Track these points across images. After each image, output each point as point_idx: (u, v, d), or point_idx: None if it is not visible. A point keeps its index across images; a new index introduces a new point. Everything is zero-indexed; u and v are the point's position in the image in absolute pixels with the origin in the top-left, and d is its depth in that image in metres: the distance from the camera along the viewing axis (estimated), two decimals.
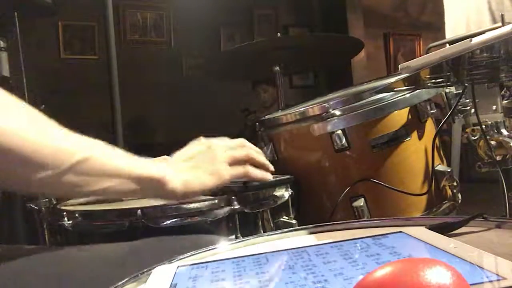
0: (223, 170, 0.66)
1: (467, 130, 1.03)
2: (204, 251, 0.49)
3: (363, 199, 0.94)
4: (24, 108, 0.52)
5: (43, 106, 0.78)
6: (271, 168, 0.74)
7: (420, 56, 0.71)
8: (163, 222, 0.71)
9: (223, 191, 0.76)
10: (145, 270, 0.44)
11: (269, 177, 0.73)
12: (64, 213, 0.78)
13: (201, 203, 0.73)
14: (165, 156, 0.67)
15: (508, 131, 0.96)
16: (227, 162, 0.67)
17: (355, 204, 0.94)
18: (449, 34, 1.64)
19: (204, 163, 0.66)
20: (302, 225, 0.57)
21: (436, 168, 0.98)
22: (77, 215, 0.77)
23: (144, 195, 0.63)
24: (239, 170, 0.68)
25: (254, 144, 0.76)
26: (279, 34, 1.65)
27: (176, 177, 0.61)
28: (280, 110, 1.39)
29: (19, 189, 0.55)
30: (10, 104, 0.51)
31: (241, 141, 0.72)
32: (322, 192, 1.01)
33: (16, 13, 1.67)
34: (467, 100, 1.00)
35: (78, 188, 0.53)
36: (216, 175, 0.65)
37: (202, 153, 0.67)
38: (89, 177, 0.53)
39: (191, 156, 0.67)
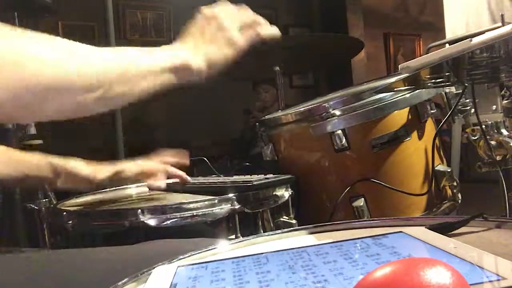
0: (237, 37, 0.68)
1: (467, 130, 1.03)
2: (204, 251, 0.49)
3: (363, 199, 0.94)
4: (65, 42, 0.54)
5: None
6: (276, 29, 0.74)
7: (420, 56, 0.71)
8: (163, 222, 0.71)
9: (223, 191, 0.76)
10: (145, 270, 0.44)
11: (277, 32, 0.74)
12: (64, 213, 0.78)
13: (201, 203, 0.73)
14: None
15: (508, 131, 0.95)
16: (238, 29, 0.69)
17: (355, 204, 0.94)
18: (449, 34, 1.63)
19: (216, 35, 0.68)
20: (302, 225, 0.57)
21: (436, 168, 0.98)
22: (77, 215, 0.77)
23: (177, 81, 0.64)
24: (250, 32, 0.70)
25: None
26: None
27: (197, 56, 0.64)
28: (280, 110, 1.39)
29: (76, 114, 0.56)
30: (52, 41, 0.53)
31: (242, 7, 0.73)
32: (322, 192, 1.01)
33: (16, 13, 1.67)
34: (467, 100, 1.00)
35: (126, 96, 0.57)
36: (232, 44, 0.68)
37: (210, 26, 0.68)
38: (131, 83, 0.56)
39: (201, 33, 0.68)
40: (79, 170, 0.83)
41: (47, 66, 0.49)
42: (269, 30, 0.72)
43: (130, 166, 0.88)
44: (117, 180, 0.87)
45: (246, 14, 0.71)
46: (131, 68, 0.57)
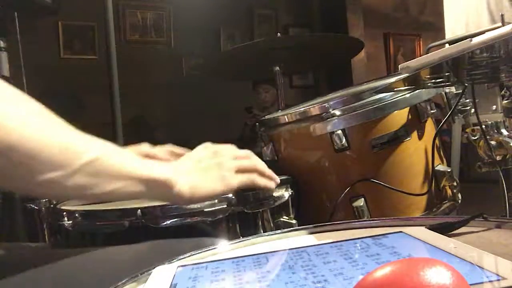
0: (231, 177, 0.65)
1: (467, 130, 1.03)
2: (204, 251, 0.49)
3: (363, 199, 0.94)
4: (28, 102, 0.47)
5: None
6: (277, 180, 0.73)
7: (420, 56, 0.71)
8: (163, 222, 0.71)
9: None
10: (145, 270, 0.44)
11: (273, 186, 0.72)
12: (64, 213, 0.78)
13: (201, 203, 0.73)
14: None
15: (508, 131, 0.96)
16: (235, 170, 0.66)
17: (355, 204, 0.94)
18: (449, 34, 1.64)
19: (212, 168, 0.64)
20: (302, 225, 0.57)
21: (436, 168, 0.98)
22: (77, 215, 0.77)
23: (150, 197, 0.60)
24: (246, 178, 0.67)
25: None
26: (279, 34, 1.65)
27: (184, 180, 0.60)
28: (280, 110, 1.39)
29: (23, 191, 0.50)
30: (12, 98, 0.46)
31: (247, 152, 0.71)
32: (322, 192, 1.01)
33: (16, 13, 1.67)
34: (467, 100, 1.00)
35: (86, 191, 0.50)
36: (224, 181, 0.64)
37: (209, 158, 0.66)
38: (98, 178, 0.50)
39: (199, 160, 0.65)
40: None
41: (4, 126, 0.43)
42: (265, 182, 0.69)
43: None
44: None
45: (250, 160, 0.68)
46: (103, 160, 0.51)
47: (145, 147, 0.90)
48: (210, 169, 0.64)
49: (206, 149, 0.67)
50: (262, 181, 0.68)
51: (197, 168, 0.64)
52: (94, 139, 0.52)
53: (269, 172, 0.71)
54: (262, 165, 0.70)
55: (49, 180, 0.46)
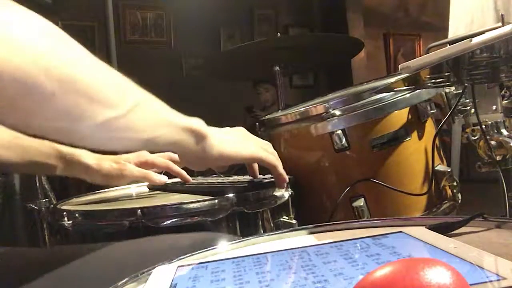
0: (257, 148, 0.69)
1: (467, 130, 1.03)
2: (204, 251, 0.49)
3: (363, 199, 0.94)
4: (77, 44, 0.45)
5: None
6: (286, 179, 0.76)
7: (420, 56, 0.71)
8: (163, 222, 0.71)
9: (223, 191, 0.76)
10: (145, 270, 0.44)
11: (286, 181, 0.76)
12: (64, 213, 0.78)
13: (201, 203, 0.73)
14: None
15: (508, 131, 0.96)
16: (259, 145, 0.70)
17: (355, 204, 0.94)
18: (453, 33, 1.63)
19: (240, 137, 0.69)
20: (302, 225, 0.57)
21: (436, 168, 0.98)
22: (77, 215, 0.77)
23: (186, 147, 0.59)
24: (271, 157, 0.71)
25: None
26: (279, 34, 1.65)
27: (215, 134, 0.63)
28: (280, 110, 1.39)
29: (80, 137, 0.46)
30: (65, 38, 0.44)
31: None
32: (322, 192, 1.01)
33: None
34: (467, 100, 1.00)
35: (134, 134, 0.49)
36: (250, 149, 0.68)
37: (238, 132, 0.70)
38: (147, 121, 0.50)
39: (222, 129, 0.68)
40: (86, 160, 0.83)
41: (67, 59, 0.42)
42: (284, 173, 0.74)
43: (132, 169, 0.87)
44: (117, 177, 0.86)
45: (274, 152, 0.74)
46: (149, 104, 0.51)
47: (144, 153, 0.91)
48: (238, 137, 0.68)
49: (227, 128, 0.71)
50: (281, 169, 0.72)
51: (224, 131, 0.67)
52: (135, 84, 0.52)
53: (283, 171, 0.74)
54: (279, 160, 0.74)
55: (107, 119, 0.45)
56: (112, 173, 0.84)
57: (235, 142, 0.67)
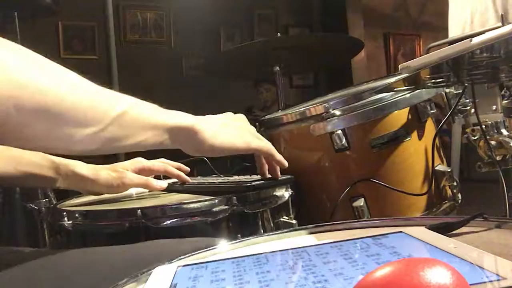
0: (251, 138, 0.68)
1: (467, 130, 1.03)
2: (204, 251, 0.49)
3: (363, 199, 0.94)
4: (55, 65, 0.49)
5: None
6: (286, 164, 0.76)
7: (420, 56, 0.71)
8: (163, 222, 0.71)
9: (223, 191, 0.76)
10: (145, 270, 0.44)
11: (286, 165, 0.75)
12: (64, 213, 0.78)
13: (201, 203, 0.73)
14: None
15: (508, 131, 0.96)
16: (254, 134, 0.70)
17: (355, 204, 0.94)
18: (453, 33, 1.63)
19: (233, 126, 0.67)
20: (302, 225, 0.57)
21: (436, 168, 0.98)
22: (77, 215, 0.77)
23: (176, 145, 0.62)
24: (264, 144, 0.71)
25: None
26: (279, 34, 1.65)
27: (207, 128, 0.62)
28: (280, 110, 1.39)
29: (64, 151, 0.51)
30: (41, 62, 0.48)
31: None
32: (322, 192, 1.01)
33: (16, 13, 1.66)
34: (467, 100, 1.00)
35: (118, 142, 0.52)
36: (244, 139, 0.67)
37: (231, 119, 0.69)
38: (128, 129, 0.52)
39: (220, 119, 0.68)
40: (81, 170, 0.83)
41: (39, 89, 0.44)
42: (281, 158, 0.74)
43: (132, 177, 0.87)
44: (117, 186, 0.86)
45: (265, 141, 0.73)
46: (132, 113, 0.53)
47: (139, 160, 0.91)
48: (231, 127, 0.67)
49: (227, 114, 0.71)
50: (278, 156, 0.72)
51: (219, 123, 0.67)
52: (119, 93, 0.54)
53: (280, 156, 0.75)
54: (274, 149, 0.74)
55: (86, 136, 0.48)
56: (112, 182, 0.84)
57: (229, 133, 0.66)
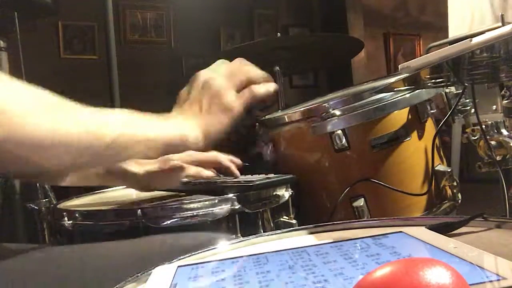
0: (232, 102, 0.65)
1: (467, 130, 1.03)
2: (204, 251, 0.49)
3: (363, 199, 0.94)
4: (45, 94, 0.52)
5: None
6: (274, 85, 0.71)
7: (420, 56, 0.71)
8: (163, 222, 0.71)
9: (223, 191, 0.76)
10: (145, 270, 0.44)
11: (273, 87, 0.70)
12: (64, 213, 0.78)
13: (201, 203, 0.73)
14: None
15: (508, 131, 0.95)
16: (231, 91, 0.66)
17: (355, 204, 0.94)
18: (453, 33, 1.63)
19: (213, 102, 0.65)
20: (302, 225, 0.57)
21: (436, 168, 0.98)
22: (77, 215, 0.77)
23: (170, 153, 0.65)
24: (247, 94, 0.67)
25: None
26: (279, 34, 1.65)
27: (195, 127, 0.62)
28: (280, 110, 1.39)
29: (67, 174, 0.57)
30: (20, 90, 0.50)
31: (237, 61, 0.70)
32: (322, 192, 1.01)
33: (16, 13, 1.66)
34: (467, 100, 1.00)
35: (112, 160, 0.59)
36: (228, 112, 0.65)
37: (205, 91, 0.66)
38: (122, 150, 0.55)
39: (196, 98, 0.66)
40: (129, 166, 0.81)
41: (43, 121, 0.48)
42: (265, 88, 0.68)
43: (188, 168, 0.85)
44: (162, 175, 0.83)
45: (242, 71, 0.68)
46: (125, 135, 0.55)
47: (191, 153, 0.89)
48: (212, 105, 0.65)
49: (196, 81, 0.67)
50: (261, 89, 0.68)
51: (200, 111, 0.65)
52: (112, 115, 0.57)
53: (264, 74, 0.70)
54: (254, 71, 0.69)
55: (78, 164, 0.52)
56: (158, 168, 0.83)
57: (212, 118, 0.64)
